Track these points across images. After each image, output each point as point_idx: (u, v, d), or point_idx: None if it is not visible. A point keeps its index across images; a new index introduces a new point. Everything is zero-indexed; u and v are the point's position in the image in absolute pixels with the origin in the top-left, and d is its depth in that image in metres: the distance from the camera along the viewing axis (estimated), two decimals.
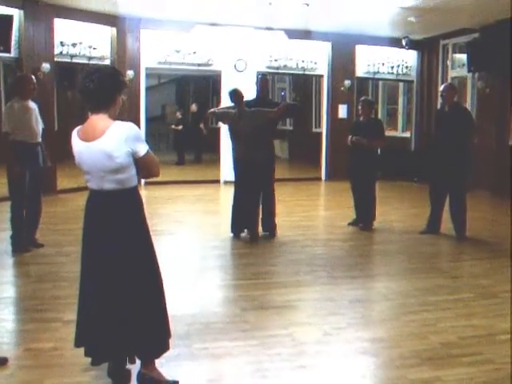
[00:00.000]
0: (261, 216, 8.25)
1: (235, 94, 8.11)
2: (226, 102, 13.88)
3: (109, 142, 3.45)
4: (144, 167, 3.65)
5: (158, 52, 13.47)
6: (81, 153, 3.57)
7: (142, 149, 3.55)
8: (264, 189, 8.21)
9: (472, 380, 3.96)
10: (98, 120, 3.53)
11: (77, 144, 3.59)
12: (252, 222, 8.06)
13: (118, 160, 3.46)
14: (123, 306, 3.63)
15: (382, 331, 4.88)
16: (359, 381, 3.99)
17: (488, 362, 4.26)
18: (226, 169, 13.99)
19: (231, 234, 8.18)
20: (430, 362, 4.25)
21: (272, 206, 8.33)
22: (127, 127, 3.51)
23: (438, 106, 13.75)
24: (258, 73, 14.20)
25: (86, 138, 3.53)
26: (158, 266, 3.79)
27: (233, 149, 8.31)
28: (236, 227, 8.20)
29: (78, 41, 12.21)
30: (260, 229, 8.24)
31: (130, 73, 12.78)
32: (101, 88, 3.51)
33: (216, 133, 15.06)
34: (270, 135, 8.36)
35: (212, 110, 8.94)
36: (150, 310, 3.72)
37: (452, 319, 5.16)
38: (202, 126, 18.71)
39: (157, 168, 3.73)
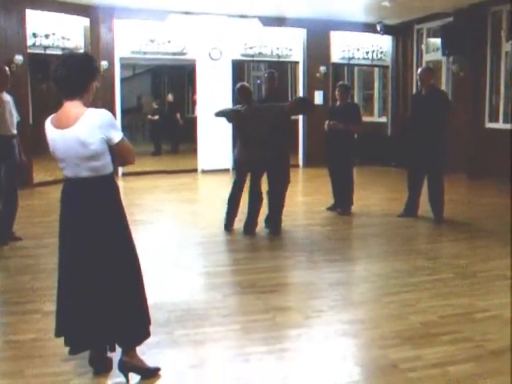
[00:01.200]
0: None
1: (243, 90, 7.69)
2: (201, 91, 14.01)
3: (82, 129, 3.41)
4: (119, 154, 3.62)
5: (132, 42, 13.36)
6: (55, 140, 3.53)
7: (117, 136, 3.51)
8: (276, 187, 7.75)
9: (452, 357, 3.99)
10: (72, 107, 3.49)
11: (51, 132, 3.55)
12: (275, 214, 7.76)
13: (92, 147, 3.43)
14: (101, 294, 3.60)
15: (362, 313, 4.90)
16: (341, 362, 4.00)
17: (467, 339, 4.30)
18: (203, 158, 14.03)
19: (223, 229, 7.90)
20: (411, 341, 4.28)
21: (280, 205, 7.82)
22: (101, 114, 3.48)
23: (414, 90, 13.85)
24: (234, 61, 14.27)
25: (60, 125, 3.49)
26: (136, 254, 3.77)
27: (240, 148, 7.80)
28: (229, 222, 7.88)
29: (51, 32, 12.07)
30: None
31: (104, 63, 12.65)
32: (74, 74, 3.46)
33: (193, 122, 15.02)
34: (284, 132, 7.87)
35: (217, 111, 8.22)
36: (129, 298, 3.70)
37: (431, 299, 5.20)
38: (178, 115, 18.64)
39: (132, 155, 3.70)
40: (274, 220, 7.73)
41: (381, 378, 3.75)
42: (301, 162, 15.07)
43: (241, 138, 7.84)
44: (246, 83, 7.84)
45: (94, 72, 3.60)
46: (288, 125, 8.12)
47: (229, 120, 8.09)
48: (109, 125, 3.48)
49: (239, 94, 7.74)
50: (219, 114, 8.06)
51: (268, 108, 7.58)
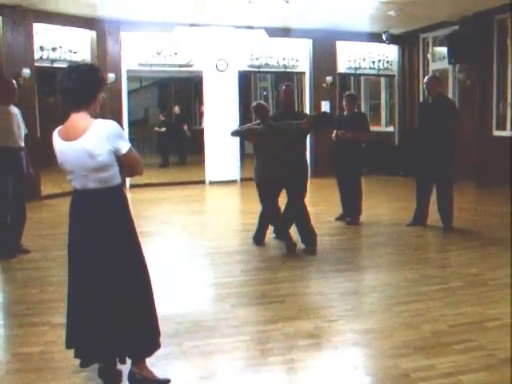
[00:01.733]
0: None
1: (260, 109, 7.51)
2: (208, 102, 14.04)
3: (90, 141, 3.41)
4: (127, 165, 3.61)
5: (139, 54, 13.42)
6: (62, 152, 3.53)
7: (124, 146, 3.51)
8: (296, 203, 7.42)
9: (464, 367, 3.95)
10: (79, 118, 3.49)
11: (58, 143, 3.54)
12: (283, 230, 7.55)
13: (100, 158, 3.43)
14: (111, 305, 3.59)
15: (372, 322, 4.87)
16: (352, 372, 3.97)
17: (480, 348, 4.27)
18: (211, 169, 14.03)
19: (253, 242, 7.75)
20: (422, 350, 4.24)
21: (305, 219, 7.46)
22: (108, 125, 3.48)
23: (421, 99, 13.84)
24: (240, 72, 14.29)
25: (68, 137, 3.49)
26: (146, 265, 3.76)
27: (257, 168, 7.58)
28: (260, 237, 7.71)
29: (58, 45, 12.13)
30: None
31: (111, 76, 12.70)
32: (80, 86, 3.47)
33: (200, 134, 15.03)
34: (302, 149, 7.74)
35: (235, 129, 8.13)
36: (139, 309, 3.69)
37: (442, 308, 5.16)
38: (185, 127, 18.67)
39: (140, 166, 3.71)
40: (307, 235, 7.40)
41: None
42: (308, 173, 14.98)
43: (258, 157, 7.58)
44: (262, 102, 7.72)
45: (101, 83, 3.60)
46: (305, 142, 7.94)
47: (245, 139, 8.03)
48: (116, 135, 3.48)
49: (256, 113, 7.56)
50: (235, 133, 7.95)
51: (285, 126, 7.35)
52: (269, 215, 7.62)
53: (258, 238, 7.71)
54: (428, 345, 4.35)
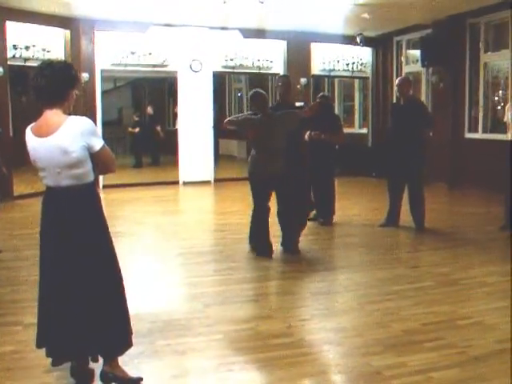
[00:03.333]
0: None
1: (259, 97, 7.05)
2: (182, 103, 14.01)
3: (64, 137, 3.40)
4: (100, 162, 3.61)
5: (113, 54, 13.32)
6: (35, 149, 3.50)
7: (98, 143, 3.51)
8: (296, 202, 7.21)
9: (435, 364, 4.00)
10: (52, 115, 3.48)
11: (31, 140, 3.52)
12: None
13: (74, 155, 3.42)
14: (83, 304, 3.57)
15: (345, 321, 4.90)
16: (324, 370, 3.99)
17: (450, 346, 4.31)
18: (185, 170, 14.00)
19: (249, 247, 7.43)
20: (394, 348, 4.28)
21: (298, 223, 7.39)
22: (82, 121, 3.47)
23: (394, 100, 13.95)
24: (214, 73, 14.27)
25: (40, 133, 3.47)
26: (118, 263, 3.74)
27: (252, 161, 7.14)
28: (255, 240, 7.32)
29: (32, 44, 12.00)
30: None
31: (85, 75, 12.60)
32: (53, 83, 3.46)
33: (174, 135, 14.99)
34: (302, 141, 7.50)
35: (229, 118, 7.62)
36: (111, 308, 3.68)
37: (413, 307, 5.21)
38: (158, 128, 18.61)
39: (113, 163, 3.70)
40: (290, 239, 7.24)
41: None
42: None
43: (255, 149, 7.15)
44: (260, 90, 7.22)
45: (74, 80, 3.59)
46: (303, 135, 7.75)
47: (242, 130, 7.53)
48: (90, 132, 3.47)
49: (254, 102, 7.13)
50: (232, 123, 7.44)
51: (285, 116, 7.03)
52: (260, 215, 7.21)
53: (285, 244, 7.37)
54: (399, 343, 4.39)
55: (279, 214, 7.30)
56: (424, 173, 8.56)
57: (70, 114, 3.53)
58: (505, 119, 8.53)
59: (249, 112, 7.54)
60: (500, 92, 12.65)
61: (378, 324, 4.81)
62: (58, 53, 12.49)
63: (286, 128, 6.91)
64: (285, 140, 6.91)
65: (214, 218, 10.43)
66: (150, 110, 19.27)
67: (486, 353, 4.18)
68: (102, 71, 13.41)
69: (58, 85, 3.48)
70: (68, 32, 12.63)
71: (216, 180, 14.23)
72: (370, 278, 6.16)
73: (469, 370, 3.91)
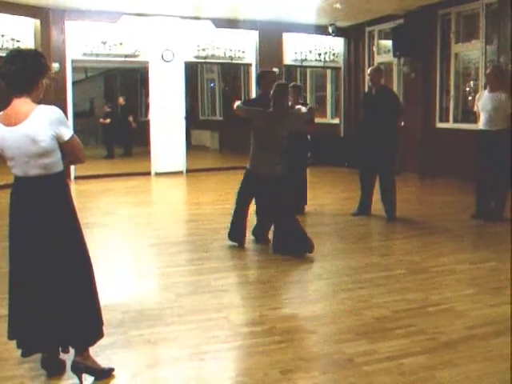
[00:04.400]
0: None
1: (287, 90, 6.98)
2: (154, 93, 13.93)
3: (32, 126, 3.36)
4: (69, 152, 3.58)
5: (84, 44, 13.18)
6: (3, 138, 3.46)
7: (67, 133, 3.48)
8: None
9: (406, 350, 4.03)
10: (21, 104, 3.44)
11: None
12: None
13: (43, 144, 3.38)
14: (53, 294, 3.55)
15: (317, 309, 4.92)
16: (297, 357, 4.00)
17: (421, 332, 4.36)
18: (157, 161, 13.96)
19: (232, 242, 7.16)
20: (366, 335, 4.31)
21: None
22: (51, 110, 3.43)
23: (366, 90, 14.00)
24: (186, 63, 14.21)
25: (9, 122, 3.43)
26: (88, 254, 3.72)
27: (255, 156, 6.99)
28: (239, 234, 7.11)
29: (0, 34, 11.87)
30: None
31: (55, 65, 12.46)
32: (23, 70, 3.42)
33: (145, 125, 14.92)
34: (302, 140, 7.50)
35: (239, 104, 7.12)
36: (81, 298, 3.65)
37: (385, 294, 5.25)
38: (130, 118, 18.51)
39: (82, 153, 3.67)
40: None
41: (336, 373, 3.76)
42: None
43: (255, 144, 6.95)
44: (296, 83, 6.95)
45: (44, 68, 3.55)
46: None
47: (250, 120, 6.98)
48: (59, 121, 3.44)
49: (283, 94, 6.91)
50: (244, 112, 7.03)
51: (294, 115, 7.10)
52: (240, 208, 7.10)
53: (259, 235, 7.34)
54: (371, 330, 4.42)
55: (258, 212, 7.34)
56: (395, 162, 8.62)
57: (40, 103, 3.50)
58: (474, 109, 8.60)
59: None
60: (471, 82, 12.77)
61: (351, 312, 4.84)
62: (27, 43, 12.31)
63: (292, 126, 7.09)
64: (285, 140, 6.94)
65: (187, 208, 10.40)
66: (121, 100, 19.17)
67: (456, 339, 4.23)
68: (73, 61, 13.26)
69: (28, 72, 3.44)
70: (38, 21, 12.47)
71: (188, 171, 14.19)
72: (342, 267, 6.19)
73: (439, 355, 3.95)
